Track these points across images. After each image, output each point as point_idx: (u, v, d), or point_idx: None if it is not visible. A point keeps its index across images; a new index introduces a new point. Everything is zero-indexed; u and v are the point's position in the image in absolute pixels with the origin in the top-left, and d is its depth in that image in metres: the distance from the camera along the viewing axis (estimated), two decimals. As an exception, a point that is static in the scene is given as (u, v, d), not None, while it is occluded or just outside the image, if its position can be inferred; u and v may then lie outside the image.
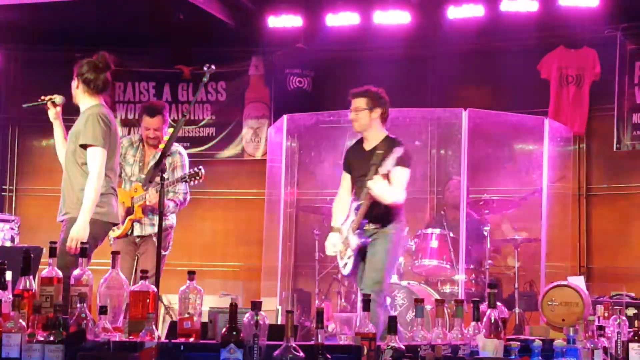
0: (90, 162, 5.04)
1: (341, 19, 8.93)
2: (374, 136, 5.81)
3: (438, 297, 6.76)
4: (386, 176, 5.50)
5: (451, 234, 7.31)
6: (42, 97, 5.42)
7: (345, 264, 5.81)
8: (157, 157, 5.42)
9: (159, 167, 4.72)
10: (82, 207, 4.94)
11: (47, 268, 4.01)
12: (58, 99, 5.39)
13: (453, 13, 8.55)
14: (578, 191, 8.75)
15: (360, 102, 5.81)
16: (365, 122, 5.80)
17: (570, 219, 8.35)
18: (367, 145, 5.82)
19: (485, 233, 7.41)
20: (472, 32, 8.61)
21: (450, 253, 7.29)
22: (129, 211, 6.25)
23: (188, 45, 9.62)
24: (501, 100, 8.48)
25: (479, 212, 7.63)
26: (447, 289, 7.41)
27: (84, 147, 5.10)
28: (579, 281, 5.28)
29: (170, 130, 5.01)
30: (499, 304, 4.19)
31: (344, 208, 5.88)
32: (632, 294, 7.34)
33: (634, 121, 8.64)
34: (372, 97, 5.83)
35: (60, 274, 4.01)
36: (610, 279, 8.39)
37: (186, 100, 9.72)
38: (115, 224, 5.39)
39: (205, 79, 5.14)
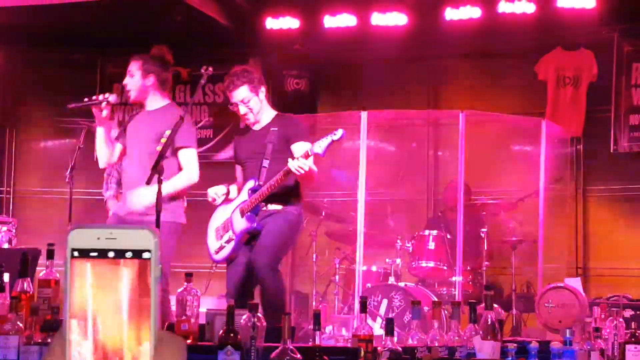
0: (189, 163, 5.19)
1: (339, 21, 8.94)
2: (265, 116, 5.35)
3: (435, 299, 6.77)
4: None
5: (448, 236, 7.31)
6: (95, 97, 5.23)
7: (221, 248, 5.34)
8: None
9: (156, 169, 4.72)
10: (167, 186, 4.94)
11: (45, 270, 4.01)
12: (112, 97, 5.22)
13: (450, 14, 8.55)
14: (575, 192, 8.76)
15: (243, 92, 5.29)
16: (257, 108, 5.30)
17: (568, 221, 8.36)
18: (258, 126, 5.35)
19: (483, 234, 7.42)
20: (469, 34, 8.62)
21: (448, 255, 7.29)
22: None
23: (186, 47, 9.61)
24: (498, 102, 8.50)
25: (476, 213, 7.64)
26: (445, 290, 7.41)
27: (178, 149, 5.15)
28: (575, 283, 5.29)
29: (168, 132, 5.02)
30: (495, 305, 4.20)
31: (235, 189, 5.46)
32: (629, 296, 7.36)
33: (631, 123, 8.66)
34: (252, 80, 5.32)
35: (58, 275, 4.01)
36: (607, 281, 8.41)
37: (184, 102, 9.71)
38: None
39: (202, 81, 5.16)
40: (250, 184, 5.20)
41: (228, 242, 5.28)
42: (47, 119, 9.92)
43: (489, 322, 3.92)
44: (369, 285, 7.17)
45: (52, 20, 8.89)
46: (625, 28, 8.72)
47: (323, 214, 7.95)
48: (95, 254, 1.22)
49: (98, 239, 1.23)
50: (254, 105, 5.28)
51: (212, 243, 5.44)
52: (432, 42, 9.04)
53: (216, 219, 5.48)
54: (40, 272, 4.05)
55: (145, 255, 1.22)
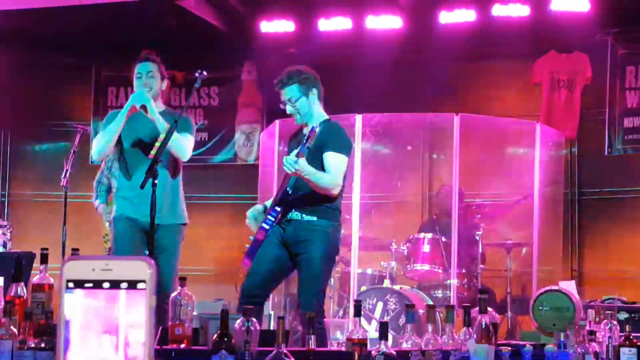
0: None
1: (333, 24, 8.95)
2: (316, 119, 5.12)
3: (430, 302, 6.78)
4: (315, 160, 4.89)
5: (443, 239, 7.32)
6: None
7: (247, 249, 5.22)
8: None
9: (150, 173, 4.72)
10: None
11: (39, 274, 4.00)
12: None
13: (445, 18, 8.57)
14: (570, 195, 8.77)
15: (292, 92, 5.10)
16: (306, 111, 5.09)
17: (562, 223, 8.37)
18: (306, 130, 5.12)
19: (477, 237, 7.43)
20: (463, 37, 8.63)
21: (443, 258, 7.30)
22: None
23: (181, 51, 9.62)
24: (493, 105, 8.51)
25: (471, 216, 7.65)
26: (440, 293, 7.41)
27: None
28: (570, 286, 5.30)
29: (162, 136, 5.01)
30: (489, 309, 4.20)
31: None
32: (624, 298, 7.36)
33: (626, 125, 8.68)
34: (303, 81, 5.11)
35: (52, 280, 4.01)
36: (602, 283, 8.42)
37: (179, 106, 9.71)
38: None
39: (197, 85, 5.16)
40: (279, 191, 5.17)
41: (251, 242, 5.18)
42: (42, 122, 9.91)
43: (483, 326, 3.92)
44: (364, 288, 7.17)
45: (46, 24, 8.89)
46: (619, 31, 8.74)
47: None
48: (90, 284, 1.22)
49: (93, 270, 1.22)
50: (301, 106, 5.08)
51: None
52: (426, 45, 9.04)
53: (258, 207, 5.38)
54: (34, 276, 4.04)
55: (140, 285, 1.22)
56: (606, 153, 8.71)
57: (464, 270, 7.42)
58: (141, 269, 1.23)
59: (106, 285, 1.22)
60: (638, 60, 8.70)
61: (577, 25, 8.49)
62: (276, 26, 9.15)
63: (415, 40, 8.97)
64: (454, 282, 7.18)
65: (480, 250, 7.43)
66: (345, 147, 5.05)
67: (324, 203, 5.00)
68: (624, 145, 8.67)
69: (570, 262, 8.64)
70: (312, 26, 9.01)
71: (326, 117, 5.18)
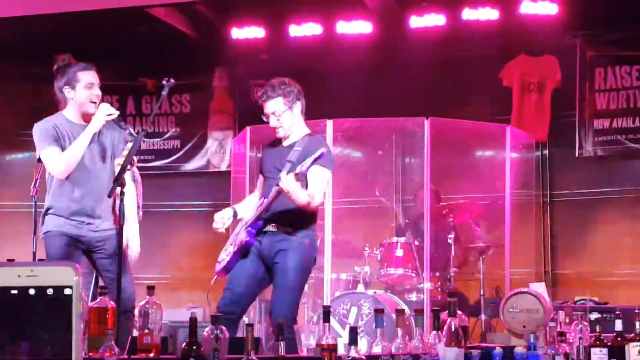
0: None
1: (304, 30, 8.96)
2: (297, 133, 5.11)
3: (405, 306, 6.79)
4: (301, 176, 4.83)
5: (416, 243, 7.33)
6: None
7: (222, 260, 5.18)
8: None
9: (118, 181, 4.68)
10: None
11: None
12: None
13: (415, 22, 8.60)
14: (542, 197, 8.82)
15: (277, 104, 5.06)
16: (289, 124, 5.07)
17: (534, 225, 8.41)
18: (286, 142, 5.13)
19: (450, 241, 7.45)
20: (434, 41, 8.66)
21: (416, 261, 7.31)
22: None
23: (152, 58, 9.59)
24: (464, 109, 8.53)
25: (443, 220, 7.66)
26: (414, 297, 7.42)
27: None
28: (540, 287, 5.32)
29: (130, 144, 4.98)
30: (459, 312, 4.21)
31: (249, 203, 5.31)
32: (596, 299, 7.41)
33: (596, 127, 8.74)
34: (288, 94, 5.06)
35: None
36: (574, 285, 8.47)
37: (150, 113, 9.68)
38: None
39: (164, 93, 5.11)
40: (260, 201, 5.12)
41: (228, 254, 5.14)
42: (10, 132, 9.85)
43: (453, 329, 3.93)
44: (338, 293, 7.17)
45: (13, 33, 8.82)
46: (588, 34, 8.81)
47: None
48: (15, 292, 1.20)
49: (19, 276, 1.20)
50: (285, 119, 5.05)
51: (220, 255, 5.26)
52: (397, 50, 9.07)
53: (225, 211, 5.29)
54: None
55: (67, 291, 1.21)
56: (577, 154, 8.77)
57: (437, 274, 7.43)
58: (68, 275, 1.22)
59: (32, 291, 1.21)
60: (607, 62, 8.77)
61: (546, 29, 8.55)
62: (247, 32, 9.14)
63: (386, 45, 8.99)
64: (427, 285, 7.19)
65: (453, 254, 7.44)
66: (330, 163, 5.03)
67: (300, 214, 4.98)
68: (594, 147, 8.73)
69: (543, 264, 8.69)
70: (283, 32, 9.02)
71: (308, 130, 5.17)
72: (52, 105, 10.27)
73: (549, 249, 8.81)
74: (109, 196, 4.77)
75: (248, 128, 8.25)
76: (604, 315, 6.55)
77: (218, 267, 5.18)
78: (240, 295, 5.08)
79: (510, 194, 7.68)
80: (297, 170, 4.75)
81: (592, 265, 8.56)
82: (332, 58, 9.25)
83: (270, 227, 5.02)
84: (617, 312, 4.92)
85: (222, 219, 5.14)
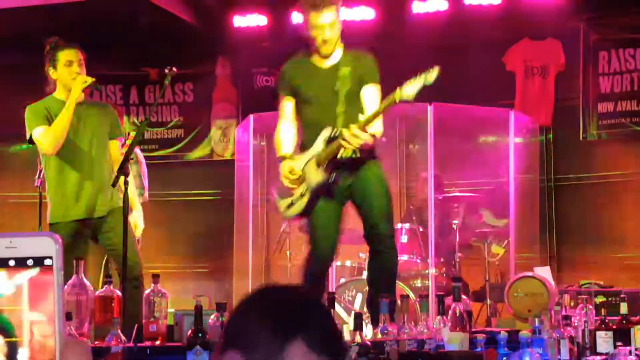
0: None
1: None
2: (336, 51, 4.79)
3: (410, 292, 6.79)
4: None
5: (421, 229, 7.33)
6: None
7: (292, 204, 4.78)
8: None
9: (122, 171, 4.69)
10: None
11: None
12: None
13: (417, 8, 8.58)
14: (546, 182, 8.80)
15: (330, 15, 4.65)
16: (337, 37, 4.70)
17: (539, 210, 8.40)
18: (324, 62, 4.76)
19: (455, 227, 7.44)
20: (436, 26, 8.63)
21: (421, 247, 7.31)
22: None
23: (154, 48, 9.58)
24: (467, 94, 8.50)
25: (447, 205, 7.66)
26: (418, 283, 7.42)
27: None
28: (545, 272, 5.31)
29: (133, 133, 4.99)
30: (464, 297, 4.21)
31: (290, 138, 4.86)
32: (601, 283, 7.41)
33: (600, 111, 8.71)
34: (338, 5, 4.70)
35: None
36: (579, 269, 8.46)
37: (153, 102, 9.68)
38: None
39: (166, 82, 5.12)
40: (327, 132, 4.66)
41: (302, 195, 4.74)
42: (13, 123, 9.84)
43: (457, 314, 3.94)
44: (343, 280, 7.18)
45: (14, 24, 8.82)
46: (592, 17, 8.77)
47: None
48: None
49: None
50: (336, 33, 4.69)
51: (282, 199, 4.84)
52: (399, 36, 9.04)
53: (284, 172, 4.84)
54: None
55: (47, 262, 1.21)
56: (581, 138, 8.75)
57: (442, 260, 7.43)
58: (47, 245, 1.22)
59: (12, 263, 1.21)
60: (611, 46, 8.73)
61: (549, 12, 8.52)
62: (249, 20, 9.13)
63: (388, 30, 8.96)
64: (432, 271, 7.19)
65: (457, 239, 7.44)
66: (379, 77, 4.77)
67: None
68: (598, 131, 8.72)
69: (548, 248, 8.68)
70: (285, 19, 9.00)
71: (342, 46, 4.84)
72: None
73: (553, 233, 8.80)
74: (113, 185, 4.80)
75: (251, 116, 8.25)
76: (609, 298, 6.55)
77: (289, 212, 4.83)
78: (336, 239, 4.85)
79: (514, 178, 7.67)
80: (405, 96, 4.56)
81: (597, 249, 8.55)
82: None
83: (342, 160, 4.70)
84: (622, 296, 4.91)
85: (291, 174, 4.74)
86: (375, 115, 4.53)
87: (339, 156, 4.66)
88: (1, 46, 9.47)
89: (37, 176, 7.01)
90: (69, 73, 5.09)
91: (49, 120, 5.05)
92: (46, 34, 9.22)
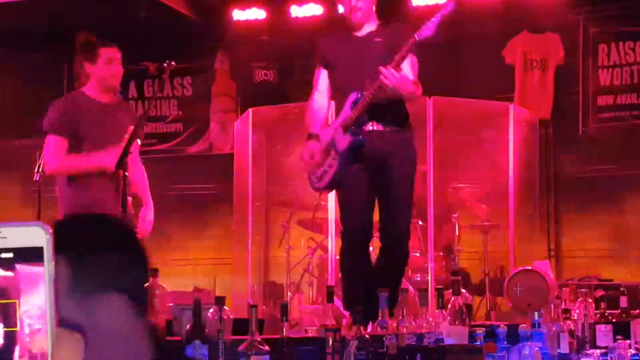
0: None
1: (305, 10, 8.93)
2: (369, 22, 4.80)
3: (409, 286, 6.78)
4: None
5: (420, 222, 7.32)
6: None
7: (324, 173, 4.65)
8: None
9: (120, 165, 4.68)
10: None
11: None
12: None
13: (417, 1, 8.56)
14: (545, 175, 8.79)
15: None
16: (368, 8, 4.75)
17: (538, 203, 8.39)
18: (359, 32, 4.78)
19: (454, 220, 7.44)
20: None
21: (420, 241, 7.30)
22: None
23: (153, 42, 9.56)
24: (466, 87, 8.50)
25: (447, 199, 7.66)
26: (418, 277, 7.41)
27: None
28: (544, 265, 5.31)
29: (131, 128, 4.96)
30: (463, 290, 4.21)
31: (321, 112, 4.82)
32: (601, 276, 7.41)
33: (599, 104, 8.70)
34: None
35: None
36: (579, 262, 8.46)
37: (152, 97, 9.66)
38: None
39: (164, 76, 5.11)
40: (352, 97, 4.60)
41: (331, 165, 4.63)
42: (13, 118, 9.85)
43: (457, 308, 3.94)
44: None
45: (15, 19, 8.80)
46: (591, 10, 8.76)
47: (295, 203, 7.96)
48: None
49: None
50: (366, 3, 4.71)
51: (312, 172, 4.71)
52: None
53: (308, 152, 4.75)
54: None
55: (38, 252, 1.19)
56: (580, 132, 8.74)
57: (441, 254, 7.43)
58: (38, 234, 1.20)
59: (2, 254, 1.19)
60: (610, 39, 8.72)
61: (548, 5, 8.51)
62: (248, 14, 9.12)
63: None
64: (431, 265, 7.19)
65: (457, 233, 7.44)
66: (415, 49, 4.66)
67: (400, 108, 4.67)
68: (598, 124, 8.70)
69: (547, 242, 8.67)
70: (285, 13, 8.99)
71: (378, 21, 4.85)
72: (50, 91, 10.28)
73: (553, 227, 8.79)
74: (112, 181, 4.78)
75: (250, 110, 8.24)
76: (609, 292, 6.53)
77: (320, 183, 4.71)
78: (370, 210, 4.69)
79: (513, 172, 7.66)
80: (426, 33, 4.49)
81: (597, 243, 8.55)
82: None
83: (374, 126, 4.64)
84: (621, 289, 4.91)
85: (311, 157, 4.67)
86: (402, 56, 4.44)
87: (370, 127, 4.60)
88: (3, 41, 9.45)
89: (35, 170, 7.00)
90: (108, 71, 5.06)
91: (70, 125, 4.97)
92: (46, 28, 9.26)
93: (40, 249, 1.19)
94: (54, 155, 4.94)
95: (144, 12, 8.98)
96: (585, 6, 8.74)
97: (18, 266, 1.19)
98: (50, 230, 1.20)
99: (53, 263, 1.19)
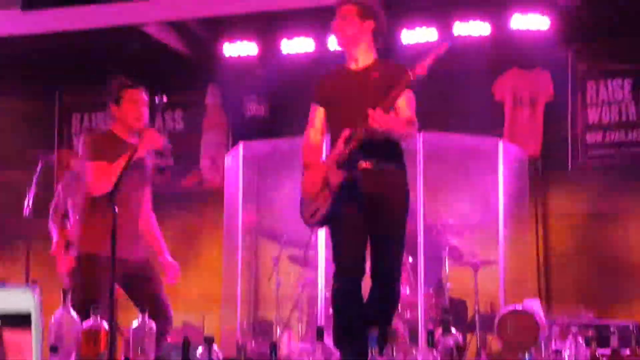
0: None
1: (296, 45, 8.96)
2: (365, 56, 4.77)
3: (400, 322, 6.77)
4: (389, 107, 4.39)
5: (410, 259, 7.31)
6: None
7: (316, 210, 4.61)
8: None
9: (112, 198, 4.67)
10: None
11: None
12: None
13: (407, 38, 8.60)
14: (535, 211, 8.80)
15: (349, 9, 4.74)
16: (353, 33, 4.73)
17: (528, 240, 8.40)
18: (356, 67, 4.77)
19: (444, 256, 7.43)
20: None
21: (410, 278, 7.29)
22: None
23: (144, 76, 9.55)
24: (456, 123, 8.53)
25: (436, 236, 7.66)
26: (408, 313, 7.39)
27: None
28: (534, 304, 5.31)
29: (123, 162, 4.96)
30: (453, 329, 4.20)
31: (316, 148, 4.81)
32: (591, 314, 7.39)
33: (588, 141, 8.74)
34: (365, 6, 4.75)
35: None
36: (569, 300, 8.44)
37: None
38: None
39: (156, 110, 5.13)
40: (346, 132, 4.55)
41: (324, 201, 4.58)
42: (4, 149, 9.84)
43: (447, 347, 3.92)
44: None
45: (8, 52, 8.82)
46: (579, 47, 8.82)
47: (285, 238, 7.95)
48: None
49: None
50: (350, 27, 4.71)
51: (306, 206, 4.67)
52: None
53: (308, 183, 4.71)
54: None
55: (26, 316, 1.17)
56: (569, 168, 8.77)
57: (431, 290, 7.42)
58: (27, 299, 1.18)
59: None
60: (598, 75, 8.78)
61: (537, 42, 8.54)
62: (239, 48, 9.14)
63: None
64: (421, 301, 7.17)
65: (446, 270, 7.43)
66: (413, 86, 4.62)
67: (393, 145, 4.60)
68: (587, 161, 8.74)
69: (537, 278, 8.66)
70: (276, 48, 9.02)
71: (376, 57, 4.82)
72: (42, 123, 10.24)
73: (543, 263, 8.78)
74: (103, 217, 4.77)
75: (241, 144, 8.26)
76: (600, 331, 6.53)
77: (312, 219, 4.66)
78: (362, 249, 4.63)
79: (503, 208, 7.68)
80: (419, 72, 4.45)
81: (587, 281, 8.54)
82: (325, 73, 9.22)
83: (367, 164, 4.60)
84: (612, 330, 4.90)
85: (313, 185, 4.61)
86: (394, 98, 4.43)
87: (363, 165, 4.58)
88: (1, 73, 9.47)
89: (25, 204, 6.97)
90: (132, 112, 5.14)
91: (104, 153, 5.04)
92: (40, 62, 9.28)
93: (28, 315, 1.17)
94: (97, 176, 4.96)
95: (135, 46, 9.01)
96: (574, 43, 8.81)
97: (5, 332, 1.17)
98: (38, 293, 1.18)
99: (40, 328, 1.18)
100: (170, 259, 5.39)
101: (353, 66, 4.79)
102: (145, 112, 5.19)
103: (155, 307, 4.72)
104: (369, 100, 4.46)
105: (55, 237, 7.05)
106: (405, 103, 4.59)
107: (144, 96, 5.22)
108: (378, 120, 4.33)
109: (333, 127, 4.75)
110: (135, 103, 5.17)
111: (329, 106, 4.80)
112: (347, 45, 4.77)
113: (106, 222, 4.64)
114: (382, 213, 4.58)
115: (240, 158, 8.17)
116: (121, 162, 4.87)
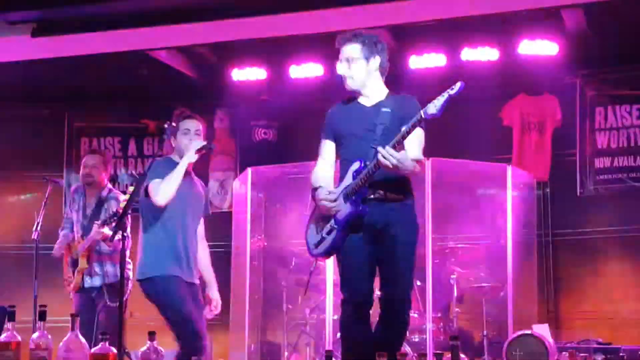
0: None
1: (304, 71, 9.00)
2: (376, 91, 4.79)
3: (407, 348, 6.74)
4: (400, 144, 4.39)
5: (418, 283, 7.31)
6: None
7: (322, 240, 4.63)
8: (97, 197, 6.29)
9: (119, 226, 4.68)
10: None
11: (6, 332, 3.94)
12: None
13: (414, 63, 8.62)
14: (543, 237, 8.79)
15: (353, 50, 4.73)
16: (360, 78, 4.74)
17: (537, 265, 8.38)
18: (368, 102, 4.78)
19: (452, 281, 7.43)
20: (434, 81, 8.65)
21: (418, 302, 7.28)
22: (76, 263, 6.32)
23: (153, 100, 9.64)
24: (465, 149, 8.54)
25: (445, 260, 7.65)
26: (417, 338, 7.38)
27: None
28: (543, 329, 5.29)
29: (131, 187, 5.00)
30: (462, 356, 4.18)
31: (325, 177, 4.77)
32: (600, 339, 7.36)
33: (597, 166, 8.74)
34: (368, 43, 4.73)
35: (19, 337, 3.94)
36: (578, 325, 8.41)
37: (152, 155, 9.70)
38: None
39: (165, 136, 5.17)
40: (355, 165, 4.57)
41: (329, 232, 4.59)
42: (13, 174, 9.88)
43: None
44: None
45: (16, 76, 8.88)
46: (588, 73, 8.84)
47: (293, 263, 7.95)
48: None
49: None
50: (357, 70, 4.71)
51: (312, 237, 4.69)
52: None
53: (317, 211, 4.72)
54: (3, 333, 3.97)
55: None
56: (578, 194, 8.76)
57: (439, 315, 7.40)
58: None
59: None
60: (607, 101, 8.80)
61: (545, 68, 8.57)
62: (248, 74, 9.18)
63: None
64: (429, 326, 7.15)
65: (455, 294, 7.42)
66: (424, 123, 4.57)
67: (403, 178, 4.58)
68: (595, 186, 8.73)
69: (546, 303, 8.64)
70: (284, 73, 9.05)
71: (387, 90, 4.85)
72: (51, 147, 10.28)
73: (551, 288, 8.76)
74: (111, 240, 4.79)
75: (249, 169, 8.27)
76: (608, 355, 6.50)
77: (317, 250, 4.69)
78: (369, 279, 4.62)
79: (512, 233, 7.67)
80: (430, 112, 4.43)
81: (596, 305, 8.52)
82: (333, 98, 9.24)
83: (376, 195, 4.58)
84: (621, 354, 4.88)
85: (329, 202, 4.57)
86: (404, 135, 4.40)
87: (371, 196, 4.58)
88: (7, 96, 9.53)
89: (34, 228, 6.97)
90: (184, 142, 5.32)
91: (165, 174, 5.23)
92: (48, 86, 9.33)
93: None
94: (157, 190, 5.13)
95: (145, 71, 9.06)
96: (583, 69, 8.83)
97: None
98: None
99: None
100: (217, 295, 5.44)
101: (364, 101, 4.80)
102: (199, 139, 5.37)
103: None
104: (379, 134, 4.51)
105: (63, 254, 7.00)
106: (415, 142, 4.57)
107: (199, 124, 5.42)
108: (388, 158, 4.33)
109: (343, 160, 4.75)
110: (188, 132, 5.35)
111: (338, 140, 4.80)
112: (356, 88, 4.77)
113: (169, 244, 5.10)
114: (390, 242, 4.57)
115: (249, 183, 8.19)
116: (178, 169, 5.16)
